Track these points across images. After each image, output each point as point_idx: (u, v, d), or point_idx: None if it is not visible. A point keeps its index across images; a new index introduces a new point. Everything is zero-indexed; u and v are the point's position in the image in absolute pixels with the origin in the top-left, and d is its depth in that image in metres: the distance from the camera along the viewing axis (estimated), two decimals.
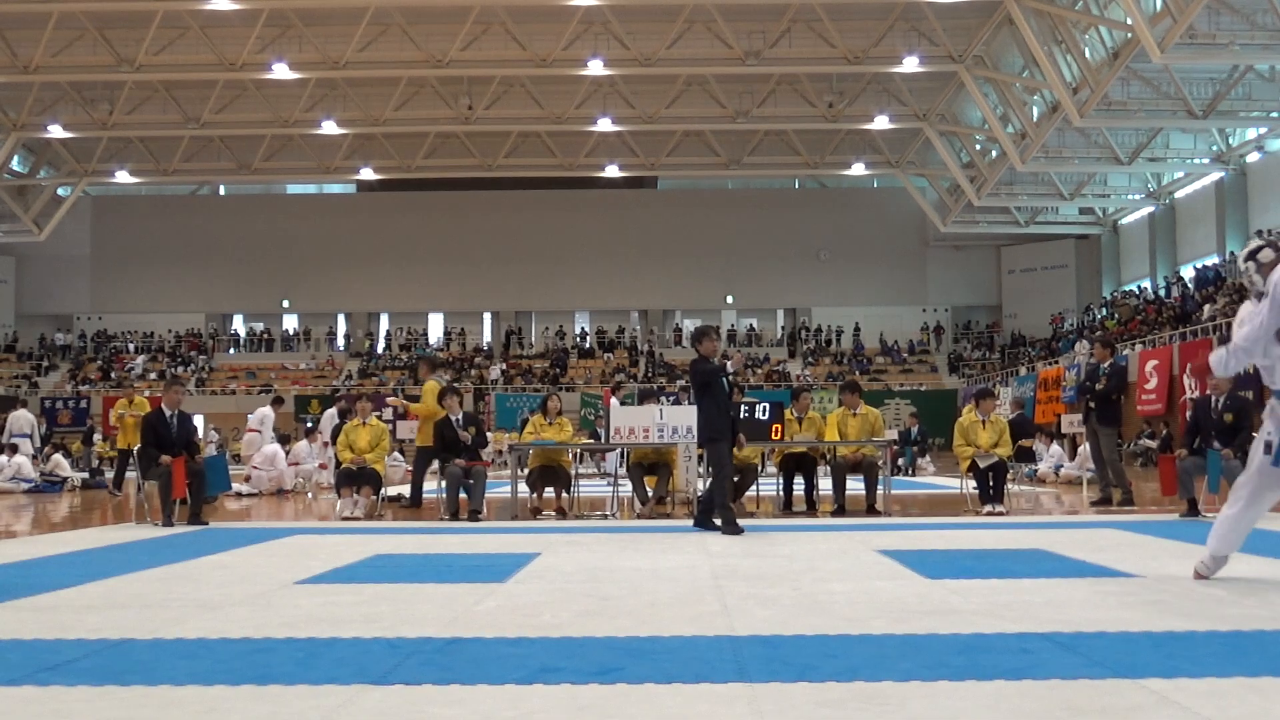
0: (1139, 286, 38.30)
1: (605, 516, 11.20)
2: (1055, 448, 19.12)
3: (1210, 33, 24.02)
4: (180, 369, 43.51)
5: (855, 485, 11.94)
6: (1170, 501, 11.19)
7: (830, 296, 45.69)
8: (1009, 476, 11.84)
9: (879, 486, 11.42)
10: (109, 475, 23.07)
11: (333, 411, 19.55)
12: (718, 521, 9.00)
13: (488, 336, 47.68)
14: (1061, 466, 18.32)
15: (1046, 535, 8.40)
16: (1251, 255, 5.79)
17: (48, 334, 46.30)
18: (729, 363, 10.02)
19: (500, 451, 23.04)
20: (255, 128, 35.76)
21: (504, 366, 43.80)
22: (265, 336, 46.89)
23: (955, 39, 30.51)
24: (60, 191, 41.37)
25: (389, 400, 18.88)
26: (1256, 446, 5.67)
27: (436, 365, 14.17)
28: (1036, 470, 18.63)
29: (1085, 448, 17.31)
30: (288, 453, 17.31)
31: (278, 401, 18.58)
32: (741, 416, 10.40)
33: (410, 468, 20.33)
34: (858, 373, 41.40)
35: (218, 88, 33.46)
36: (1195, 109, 29.00)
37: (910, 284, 46.02)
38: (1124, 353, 28.81)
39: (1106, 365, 12.17)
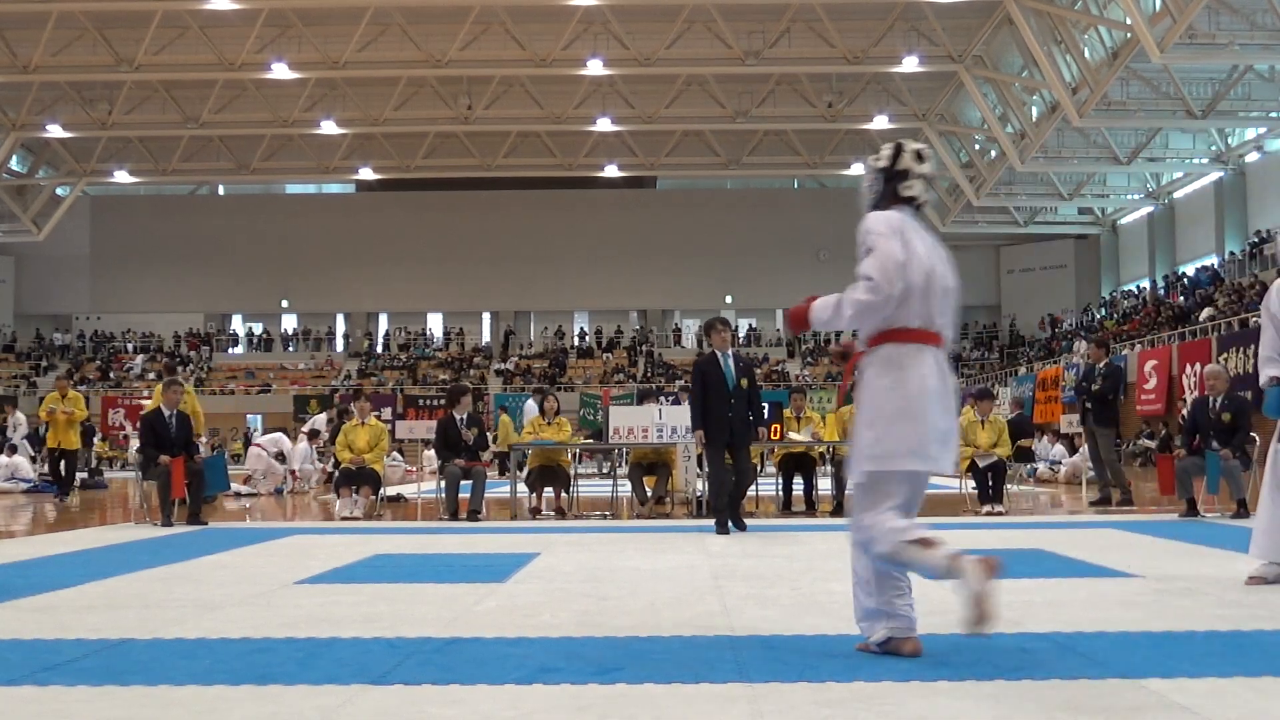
0: (1138, 286, 38.31)
1: (605, 516, 11.21)
2: (1059, 447, 19.11)
3: (1210, 33, 24.01)
4: (179, 369, 43.48)
5: None
6: (1169, 501, 11.19)
7: None
8: (1009, 475, 11.85)
9: None
10: (107, 475, 23.10)
11: (322, 417, 19.63)
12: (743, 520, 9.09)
13: (486, 336, 47.69)
14: (1060, 462, 18.30)
15: (1046, 535, 8.40)
16: None
17: (46, 334, 46.29)
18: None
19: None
20: (255, 128, 35.75)
21: (511, 366, 43.82)
22: (264, 336, 46.90)
23: (955, 39, 30.52)
24: (59, 191, 41.35)
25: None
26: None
27: (173, 370, 14.56)
28: (1036, 470, 18.64)
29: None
30: (281, 456, 17.28)
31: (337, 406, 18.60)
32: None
33: (410, 468, 20.41)
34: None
35: (217, 88, 33.45)
36: (1194, 109, 29.00)
37: None
38: (1122, 353, 28.82)
39: (1102, 366, 12.19)
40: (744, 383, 9.16)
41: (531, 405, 18.29)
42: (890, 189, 4.15)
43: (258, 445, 17.38)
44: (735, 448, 9.15)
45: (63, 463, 15.27)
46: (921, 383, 3.86)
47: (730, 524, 8.95)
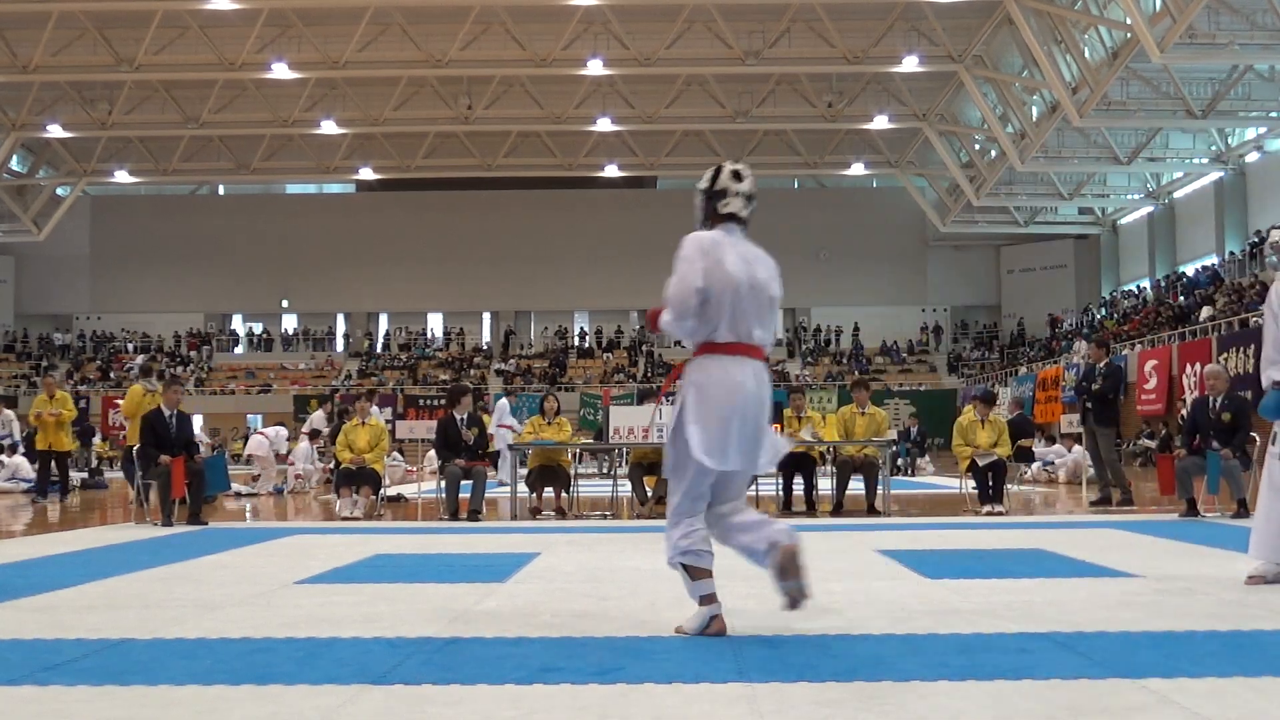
0: (1138, 286, 38.32)
1: (605, 516, 11.21)
2: (1057, 446, 19.09)
3: (1210, 33, 24.02)
4: (180, 369, 43.52)
5: (855, 485, 11.94)
6: (1169, 501, 11.19)
7: (830, 296, 45.69)
8: (1016, 475, 11.84)
9: (879, 486, 11.42)
10: (108, 475, 23.07)
11: (319, 414, 19.57)
12: None
13: (487, 336, 47.69)
14: (1053, 462, 18.25)
15: (1046, 535, 8.40)
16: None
17: (47, 334, 46.29)
18: None
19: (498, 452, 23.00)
20: (255, 128, 35.77)
21: (511, 366, 43.81)
22: (264, 336, 46.91)
23: (955, 39, 30.52)
24: (59, 191, 41.36)
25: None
26: None
27: (149, 372, 14.63)
28: (1033, 466, 18.63)
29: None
30: (279, 455, 17.28)
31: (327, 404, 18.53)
32: None
33: (409, 467, 20.43)
34: (858, 372, 41.44)
35: (217, 87, 33.46)
36: (1195, 109, 29.01)
37: (910, 284, 46.02)
38: (1123, 352, 28.82)
39: (1102, 365, 12.19)
40: None
41: (504, 404, 18.34)
42: (711, 208, 4.45)
43: (260, 433, 17.36)
44: None
45: (53, 463, 15.21)
46: (729, 392, 4.24)
47: None
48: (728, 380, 4.25)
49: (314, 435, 18.17)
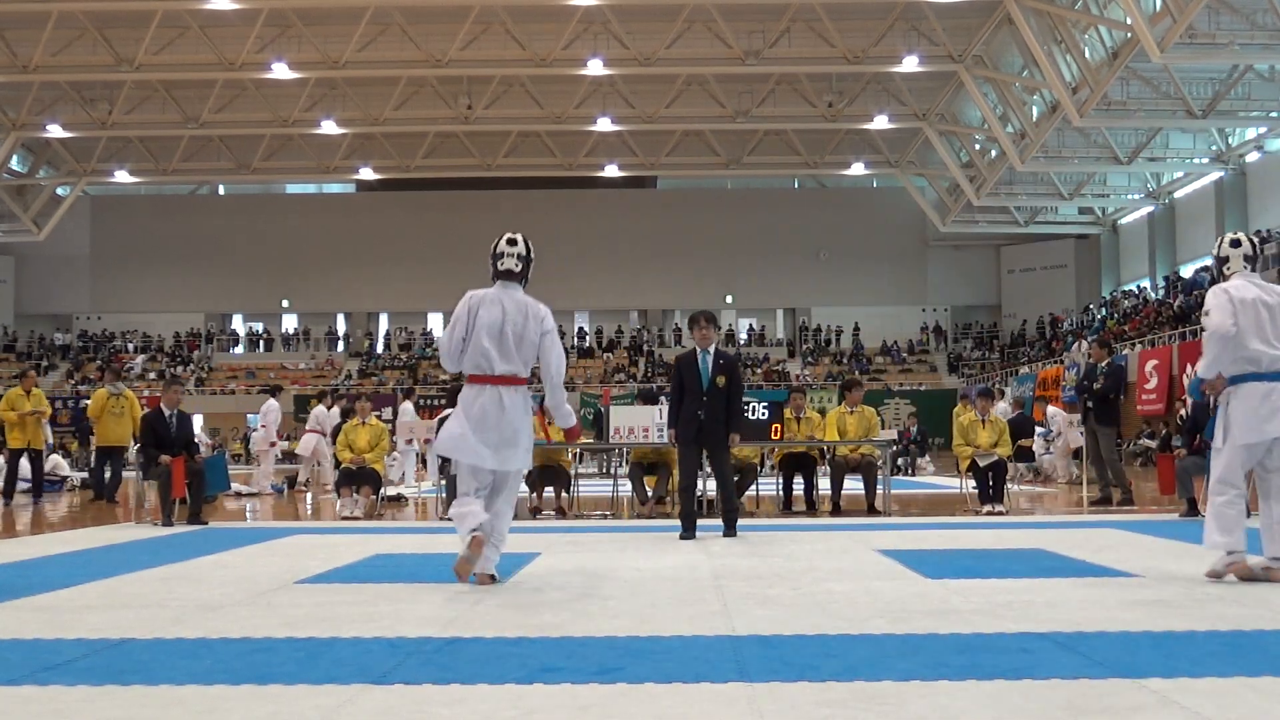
0: (1138, 286, 38.33)
1: (605, 516, 11.21)
2: (1040, 429, 19.00)
3: (1210, 32, 24.03)
4: (180, 369, 43.51)
5: (854, 485, 11.94)
6: (1170, 501, 11.20)
7: (830, 296, 45.68)
8: (1016, 475, 11.83)
9: (879, 486, 11.42)
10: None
11: (321, 409, 19.51)
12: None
13: None
14: (1048, 430, 18.12)
15: (1046, 535, 8.40)
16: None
17: (47, 334, 46.29)
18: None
19: None
20: (255, 127, 35.76)
21: None
22: (265, 336, 46.91)
23: (955, 39, 30.52)
24: (59, 191, 41.36)
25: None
26: None
27: (116, 375, 14.87)
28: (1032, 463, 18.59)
29: (1062, 437, 17.37)
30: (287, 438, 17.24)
31: (277, 390, 18.41)
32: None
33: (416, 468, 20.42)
34: (857, 372, 41.43)
35: (217, 87, 33.45)
36: (1195, 109, 29.01)
37: (910, 284, 46.02)
38: (1123, 352, 28.83)
39: (1104, 365, 12.19)
40: (720, 381, 8.49)
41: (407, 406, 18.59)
42: (494, 267, 6.08)
43: (263, 426, 17.29)
44: (711, 449, 8.69)
45: (25, 463, 15.10)
46: (475, 408, 5.81)
47: (695, 529, 8.37)
48: (473, 402, 5.79)
49: (327, 397, 17.96)
